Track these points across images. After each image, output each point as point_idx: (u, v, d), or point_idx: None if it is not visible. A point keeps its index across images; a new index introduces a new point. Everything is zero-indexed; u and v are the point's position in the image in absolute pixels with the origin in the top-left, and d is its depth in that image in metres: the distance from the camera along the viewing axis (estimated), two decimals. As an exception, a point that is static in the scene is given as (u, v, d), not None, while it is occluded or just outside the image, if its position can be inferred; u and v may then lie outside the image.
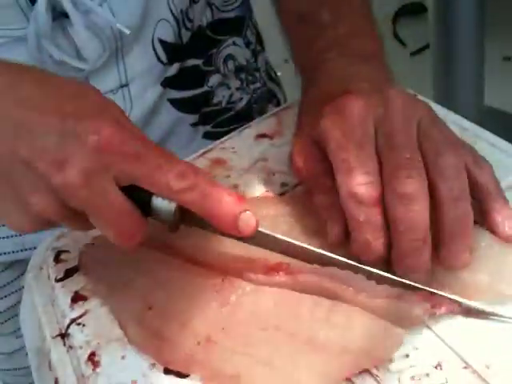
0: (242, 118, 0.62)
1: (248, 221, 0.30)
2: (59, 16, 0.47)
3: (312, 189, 0.36)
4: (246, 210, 0.30)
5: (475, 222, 0.32)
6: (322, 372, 0.29)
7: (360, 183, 0.31)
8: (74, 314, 0.37)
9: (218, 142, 0.48)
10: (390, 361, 0.29)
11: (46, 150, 0.30)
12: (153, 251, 0.37)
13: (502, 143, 0.40)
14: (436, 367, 0.29)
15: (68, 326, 0.37)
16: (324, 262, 0.32)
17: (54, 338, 0.37)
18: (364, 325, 0.29)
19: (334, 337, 0.29)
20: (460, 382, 0.28)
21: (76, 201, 0.31)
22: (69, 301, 0.38)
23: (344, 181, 0.31)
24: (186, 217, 0.32)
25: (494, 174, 0.34)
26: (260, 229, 0.31)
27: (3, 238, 0.58)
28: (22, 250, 0.59)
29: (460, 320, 0.30)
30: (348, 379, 0.29)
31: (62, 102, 0.32)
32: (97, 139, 0.30)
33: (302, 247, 0.32)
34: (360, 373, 0.29)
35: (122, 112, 0.34)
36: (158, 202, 0.31)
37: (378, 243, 0.31)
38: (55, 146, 0.30)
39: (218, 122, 0.62)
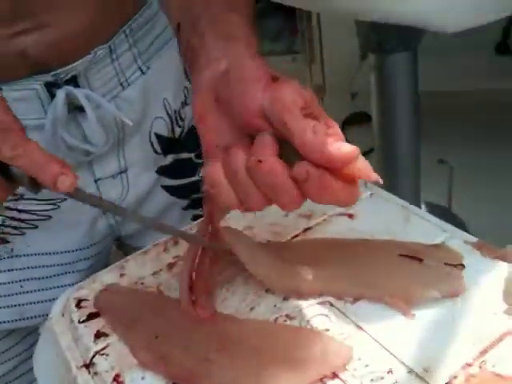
0: None
1: (63, 180, 0.39)
2: (73, 109, 0.56)
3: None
4: (63, 174, 0.39)
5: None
6: (293, 378, 0.38)
7: None
8: (98, 347, 0.45)
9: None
10: (354, 369, 0.39)
11: None
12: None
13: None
14: (388, 372, 0.39)
15: (92, 357, 0.45)
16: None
17: (79, 368, 0.45)
18: (319, 342, 0.40)
19: (298, 354, 0.40)
20: (406, 383, 0.38)
21: None
22: (92, 337, 0.46)
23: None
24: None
25: None
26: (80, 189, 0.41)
27: (3, 307, 0.63)
28: (21, 319, 0.64)
29: (402, 330, 0.41)
30: (322, 381, 0.39)
31: None
32: None
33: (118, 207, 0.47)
34: (333, 378, 0.39)
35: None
36: (14, 169, 0.41)
37: None
38: None
39: None
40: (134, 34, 0.61)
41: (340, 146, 0.32)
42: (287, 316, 0.44)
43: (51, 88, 0.55)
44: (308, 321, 0.44)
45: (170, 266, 0.52)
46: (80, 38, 0.55)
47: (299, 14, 2.08)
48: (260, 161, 0.34)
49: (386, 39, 0.95)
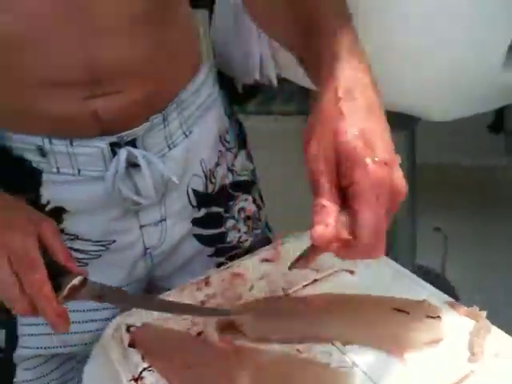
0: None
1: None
2: (128, 165, 0.67)
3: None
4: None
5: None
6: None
7: None
8: (145, 365, 0.56)
9: (235, 261, 0.70)
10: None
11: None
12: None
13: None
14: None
15: (141, 372, 0.56)
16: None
17: (129, 381, 0.56)
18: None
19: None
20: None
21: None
22: (140, 357, 0.58)
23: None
24: None
25: None
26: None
27: (49, 334, 0.71)
28: (64, 346, 0.73)
29: (388, 369, 0.53)
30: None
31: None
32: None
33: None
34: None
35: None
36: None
37: None
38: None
39: (229, 255, 0.82)
40: (182, 104, 0.72)
41: None
42: (297, 350, 0.56)
43: (113, 147, 0.66)
44: (315, 355, 0.55)
45: (202, 303, 0.64)
46: (142, 106, 0.66)
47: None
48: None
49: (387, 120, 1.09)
